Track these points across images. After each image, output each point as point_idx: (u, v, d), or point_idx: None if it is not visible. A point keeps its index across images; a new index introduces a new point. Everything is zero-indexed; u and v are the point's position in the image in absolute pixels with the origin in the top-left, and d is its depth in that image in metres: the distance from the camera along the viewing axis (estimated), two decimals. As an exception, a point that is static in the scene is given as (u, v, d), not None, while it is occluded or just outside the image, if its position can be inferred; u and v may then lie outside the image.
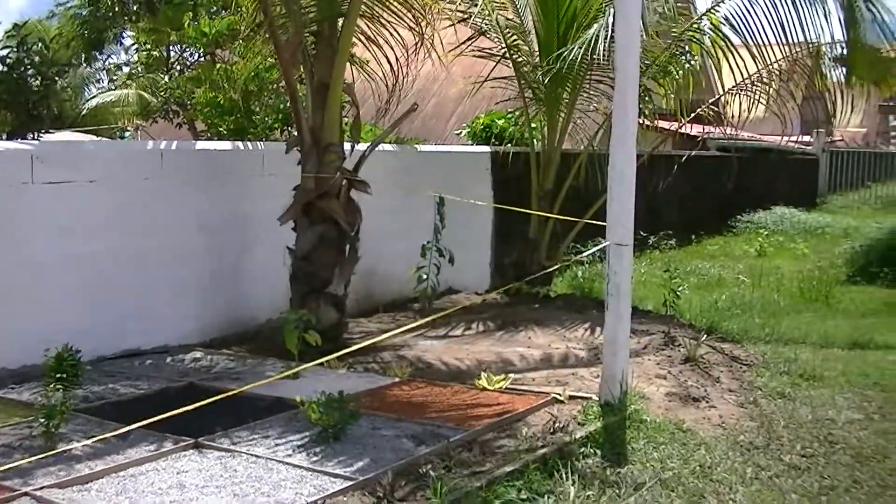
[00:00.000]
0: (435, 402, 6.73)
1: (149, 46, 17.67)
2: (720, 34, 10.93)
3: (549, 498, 5.03)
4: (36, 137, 9.72)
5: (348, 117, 9.88)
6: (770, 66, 11.34)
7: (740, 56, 11.07)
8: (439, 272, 9.69)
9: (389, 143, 11.51)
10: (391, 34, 10.02)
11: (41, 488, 4.86)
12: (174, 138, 11.02)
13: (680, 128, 13.67)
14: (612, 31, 8.65)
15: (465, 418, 6.28)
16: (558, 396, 6.71)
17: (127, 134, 22.20)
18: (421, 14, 9.87)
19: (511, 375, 7.28)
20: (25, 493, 4.80)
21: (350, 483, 4.99)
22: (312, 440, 5.72)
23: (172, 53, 18.23)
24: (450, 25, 10.22)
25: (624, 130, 6.60)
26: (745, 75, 11.43)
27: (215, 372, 7.66)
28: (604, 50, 9.44)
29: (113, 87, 21.56)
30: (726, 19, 10.91)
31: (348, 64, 9.15)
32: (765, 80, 11.46)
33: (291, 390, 6.50)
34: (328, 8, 8.84)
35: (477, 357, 8.15)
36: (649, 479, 5.48)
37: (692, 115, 12.01)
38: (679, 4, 11.03)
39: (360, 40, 9.88)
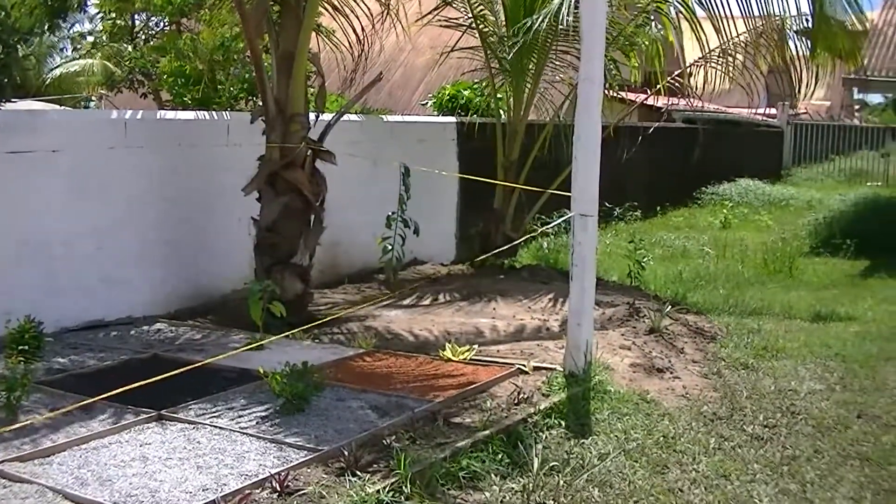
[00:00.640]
0: (400, 373, 6.73)
1: (114, 15, 17.44)
2: (686, 6, 10.91)
3: (512, 469, 5.06)
4: (-3, 106, 9.61)
5: (314, 87, 9.82)
6: (736, 38, 11.35)
7: (703, 30, 11.03)
8: (404, 243, 9.65)
9: (355, 113, 11.45)
10: (357, 3, 9.96)
11: (2, 462, 4.82)
12: (139, 108, 10.90)
13: (645, 100, 13.68)
14: (578, -1, 8.63)
15: (430, 389, 6.29)
16: (523, 367, 6.73)
17: (91, 103, 22.00)
18: (387, -18, 9.82)
19: (476, 346, 7.28)
20: (-14, 467, 4.76)
21: (313, 454, 4.98)
22: (276, 412, 5.70)
23: (138, 22, 18.02)
24: (416, -6, 10.18)
25: (589, 99, 6.59)
26: (711, 48, 11.44)
27: (179, 343, 7.62)
28: (569, 17, 9.40)
29: (77, 57, 21.28)
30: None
31: (314, 33, 9.08)
32: (729, 52, 11.47)
33: (256, 362, 6.49)
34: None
35: (442, 328, 8.16)
36: (613, 450, 5.51)
37: (657, 86, 12.02)
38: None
39: (326, 9, 9.79)
